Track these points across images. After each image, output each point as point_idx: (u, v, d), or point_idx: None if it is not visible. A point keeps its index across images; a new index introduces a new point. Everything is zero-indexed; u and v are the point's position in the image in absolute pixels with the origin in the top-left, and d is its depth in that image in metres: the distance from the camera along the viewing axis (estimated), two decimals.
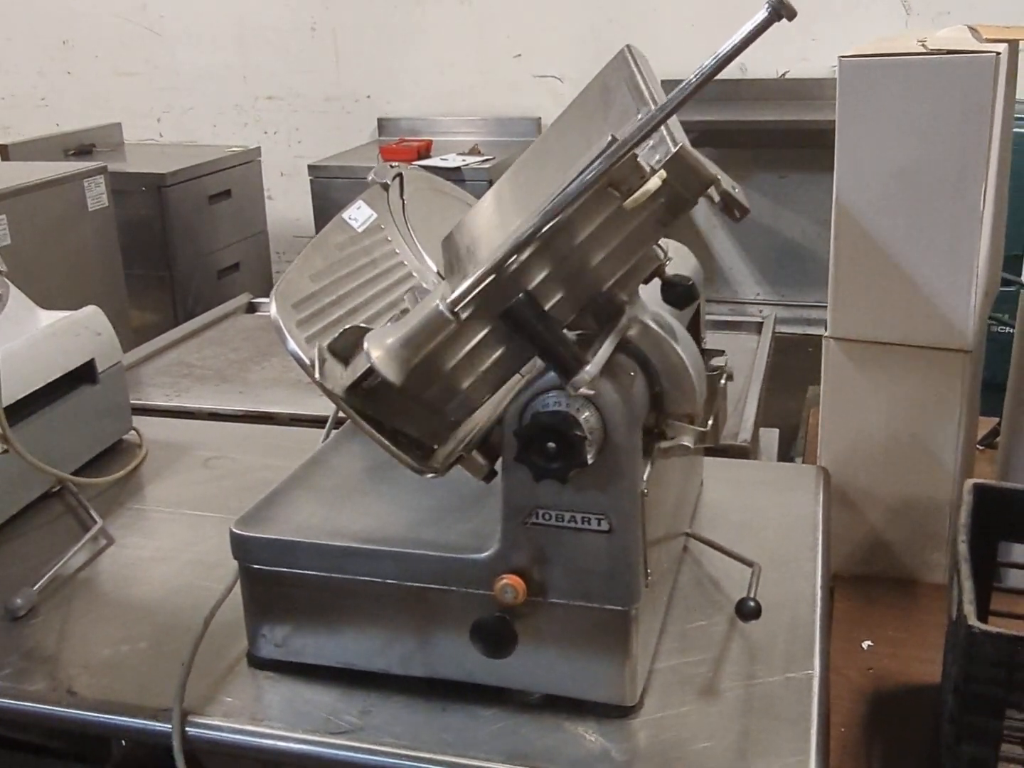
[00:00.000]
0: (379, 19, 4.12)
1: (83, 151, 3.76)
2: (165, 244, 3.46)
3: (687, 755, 0.86)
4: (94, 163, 2.62)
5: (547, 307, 0.79)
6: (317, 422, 1.59)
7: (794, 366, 2.44)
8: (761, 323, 2.00)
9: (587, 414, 0.81)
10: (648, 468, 0.87)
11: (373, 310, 0.92)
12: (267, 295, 2.36)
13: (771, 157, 3.90)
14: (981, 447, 1.66)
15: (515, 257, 0.77)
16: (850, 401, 1.30)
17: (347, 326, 0.84)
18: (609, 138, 0.73)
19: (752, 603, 0.93)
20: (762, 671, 0.96)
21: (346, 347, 0.82)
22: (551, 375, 0.81)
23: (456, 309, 0.78)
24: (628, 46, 0.95)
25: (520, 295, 0.77)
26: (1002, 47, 1.14)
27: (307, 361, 0.81)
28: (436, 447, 0.85)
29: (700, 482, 1.27)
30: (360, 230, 0.98)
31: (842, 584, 1.32)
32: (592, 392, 0.77)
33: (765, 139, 3.89)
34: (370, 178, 1.08)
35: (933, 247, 1.19)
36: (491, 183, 3.39)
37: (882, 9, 3.70)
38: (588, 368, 0.76)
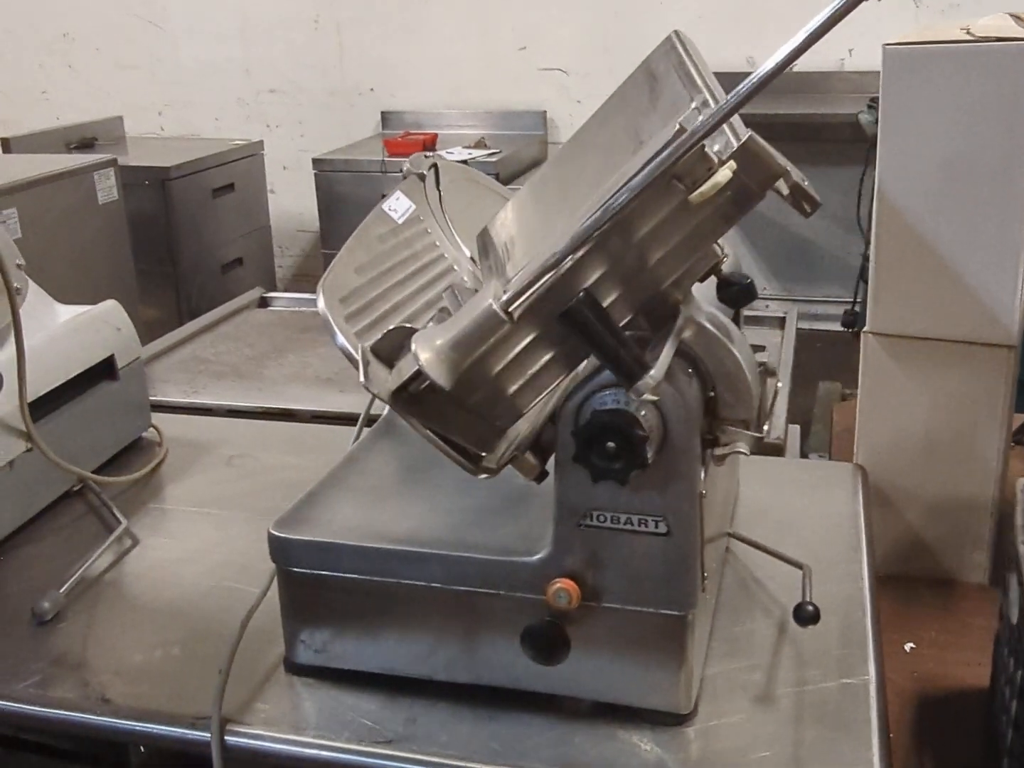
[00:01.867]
0: (383, 12, 4.09)
1: (84, 145, 3.72)
2: (169, 239, 3.43)
3: (745, 764, 0.84)
4: (104, 155, 2.58)
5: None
6: (339, 419, 1.57)
7: (803, 362, 2.42)
8: (783, 318, 1.97)
9: (646, 412, 0.78)
10: (704, 471, 0.84)
11: (417, 304, 0.89)
12: (271, 290, 2.34)
13: (778, 151, 3.87)
14: (1012, 444, 1.64)
15: (574, 254, 0.72)
16: (889, 398, 1.28)
17: (391, 327, 0.80)
18: (676, 127, 0.68)
19: (811, 607, 0.90)
20: (816, 676, 0.93)
21: (391, 348, 0.78)
22: (609, 372, 0.79)
23: (511, 309, 0.74)
24: (676, 31, 0.90)
25: (580, 295, 0.72)
26: None
27: (357, 357, 0.78)
28: (484, 454, 0.81)
29: (737, 480, 1.24)
30: (400, 221, 0.95)
31: (880, 584, 1.29)
32: (656, 398, 0.74)
33: (772, 133, 3.81)
34: (405, 168, 1.05)
35: (978, 239, 1.17)
36: (498, 177, 3.36)
37: (891, 1, 3.68)
38: (652, 373, 0.72)
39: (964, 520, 1.28)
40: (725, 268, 0.80)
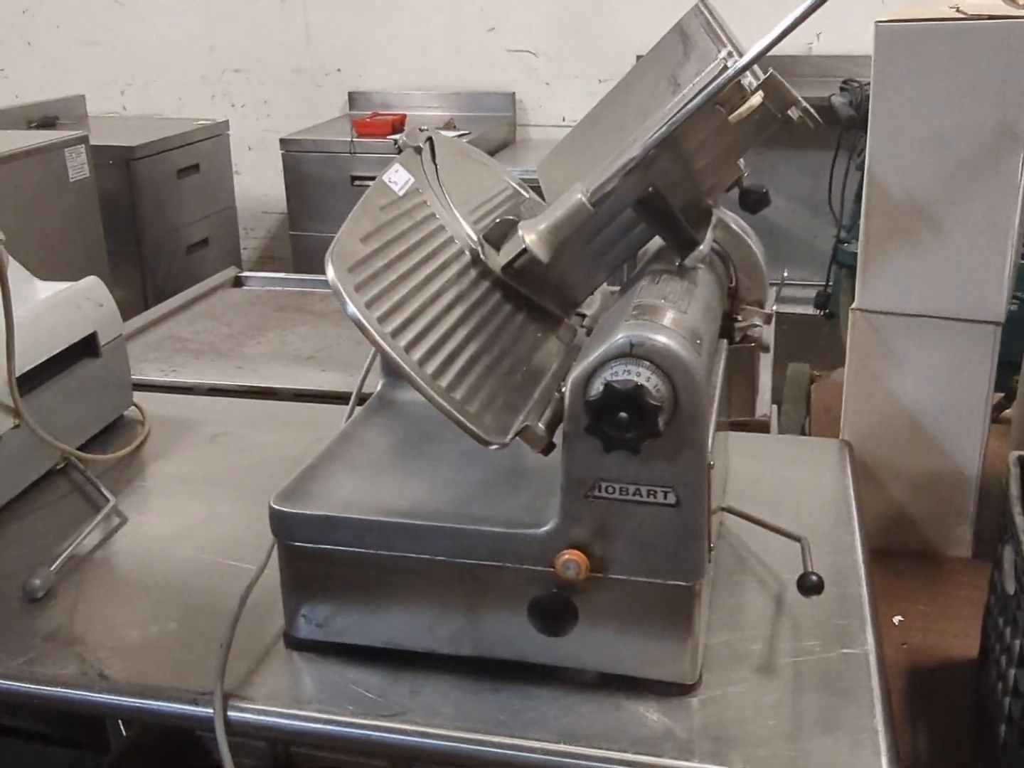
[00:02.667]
0: None
1: (46, 123, 3.65)
2: (134, 219, 3.38)
3: (753, 733, 0.84)
4: (75, 132, 2.53)
5: None
6: (321, 397, 1.56)
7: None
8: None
9: (658, 383, 0.78)
10: (711, 436, 0.85)
11: (421, 276, 0.88)
12: (238, 271, 2.31)
13: (749, 135, 3.89)
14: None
15: (643, 158, 0.88)
16: (876, 374, 1.29)
17: (399, 296, 0.82)
18: (721, 66, 0.85)
19: (815, 577, 0.91)
20: (816, 647, 0.94)
21: (499, 235, 0.95)
22: (619, 343, 0.79)
23: (594, 200, 0.89)
24: (701, 0, 1.03)
25: (649, 189, 0.89)
26: None
27: (368, 325, 0.77)
28: (565, 320, 1.01)
29: (728, 455, 1.25)
30: (401, 193, 0.94)
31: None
32: (703, 266, 0.93)
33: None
34: (402, 141, 1.03)
35: (967, 216, 1.18)
36: None
37: None
38: (701, 247, 0.90)
39: (948, 495, 1.30)
40: (745, 182, 0.96)
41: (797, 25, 0.82)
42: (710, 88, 0.86)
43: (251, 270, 4.18)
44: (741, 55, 0.87)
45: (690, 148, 0.90)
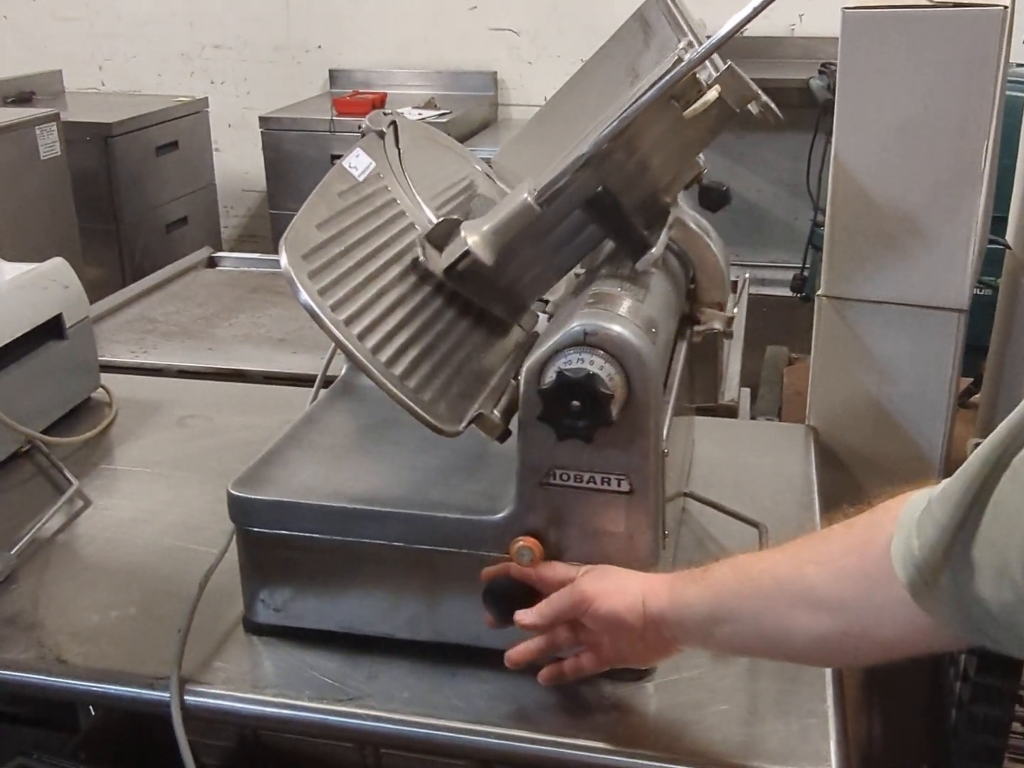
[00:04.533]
0: None
1: (22, 99, 3.60)
2: (112, 197, 3.35)
3: (705, 718, 0.85)
4: (46, 109, 2.50)
5: None
6: (291, 380, 1.56)
7: (751, 326, 2.44)
8: (735, 282, 1.98)
9: (611, 371, 0.78)
10: (667, 424, 0.85)
11: (380, 262, 0.88)
12: (218, 250, 2.30)
13: (729, 115, 3.88)
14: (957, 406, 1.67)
15: (592, 156, 0.84)
16: (842, 360, 1.30)
17: (354, 284, 0.82)
18: (675, 58, 0.81)
19: None
20: None
21: (442, 236, 0.91)
22: (573, 331, 0.79)
23: (541, 200, 0.85)
24: None
25: (599, 188, 0.85)
26: (1007, 1, 1.12)
27: (320, 313, 0.77)
28: (514, 325, 0.97)
29: (692, 441, 1.25)
30: (361, 179, 0.94)
31: None
32: (655, 271, 0.87)
33: None
34: (365, 125, 1.03)
35: (932, 204, 1.18)
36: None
37: None
38: (653, 250, 0.85)
39: (912, 480, 1.30)
40: (704, 178, 0.94)
41: (751, 19, 0.80)
42: (663, 83, 0.82)
43: (231, 249, 4.16)
44: (701, 43, 0.84)
45: (644, 144, 0.87)
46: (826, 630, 0.69)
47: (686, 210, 0.98)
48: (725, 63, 0.85)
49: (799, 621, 0.70)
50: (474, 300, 0.92)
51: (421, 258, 0.90)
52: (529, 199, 0.85)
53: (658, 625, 0.78)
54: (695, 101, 0.84)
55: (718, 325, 1.02)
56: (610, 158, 0.86)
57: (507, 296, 0.94)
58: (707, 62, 0.85)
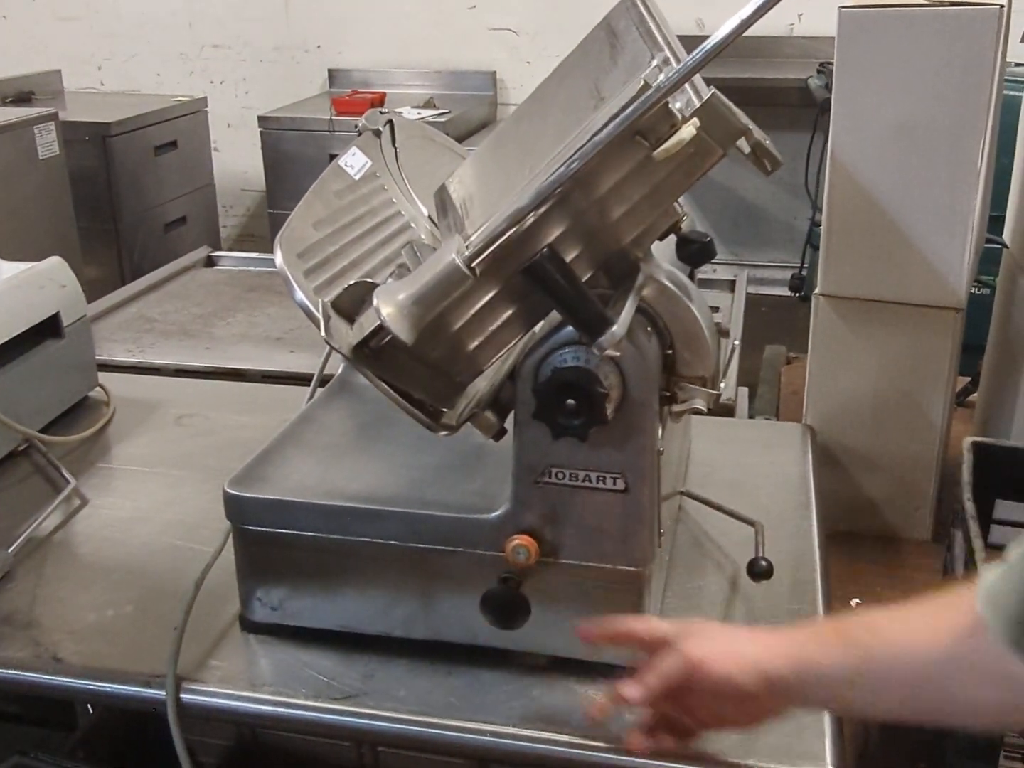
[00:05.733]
0: None
1: (21, 99, 3.61)
2: (110, 196, 3.35)
3: None
4: (45, 109, 2.50)
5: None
6: (289, 378, 1.56)
7: (750, 325, 2.45)
8: (733, 281, 1.98)
9: (606, 370, 0.78)
10: (661, 428, 0.85)
11: (375, 261, 0.88)
12: (216, 249, 2.30)
13: None
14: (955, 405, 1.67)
15: (536, 209, 0.72)
16: (839, 359, 1.30)
17: (351, 282, 0.80)
18: (641, 83, 0.69)
19: (764, 563, 0.92)
20: None
21: (352, 303, 0.78)
22: (568, 330, 0.79)
23: (473, 264, 0.73)
24: None
25: (543, 250, 0.72)
26: (1003, 1, 1.12)
27: (316, 313, 0.77)
28: (444, 410, 0.81)
29: (689, 440, 1.25)
30: (357, 177, 0.94)
31: (828, 541, 1.32)
32: (618, 353, 0.74)
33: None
34: (361, 124, 1.03)
35: (929, 203, 1.18)
36: None
37: None
38: (615, 328, 0.72)
39: (909, 479, 1.31)
40: (684, 227, 0.80)
41: (728, 43, 0.67)
42: (624, 115, 0.68)
43: (230, 248, 4.17)
44: (679, 61, 0.71)
45: (603, 191, 0.72)
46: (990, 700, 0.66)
47: (661, 265, 0.82)
48: (708, 90, 0.71)
49: (965, 692, 0.67)
50: (393, 384, 0.77)
51: (322, 332, 0.75)
52: (458, 261, 0.72)
53: (778, 687, 0.73)
54: (667, 138, 0.69)
55: (700, 404, 0.85)
56: (560, 208, 0.72)
57: (435, 379, 0.78)
58: (687, 87, 0.72)
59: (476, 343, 0.78)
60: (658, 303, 0.83)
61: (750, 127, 0.73)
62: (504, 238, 0.73)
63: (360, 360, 0.76)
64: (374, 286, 0.77)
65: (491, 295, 0.76)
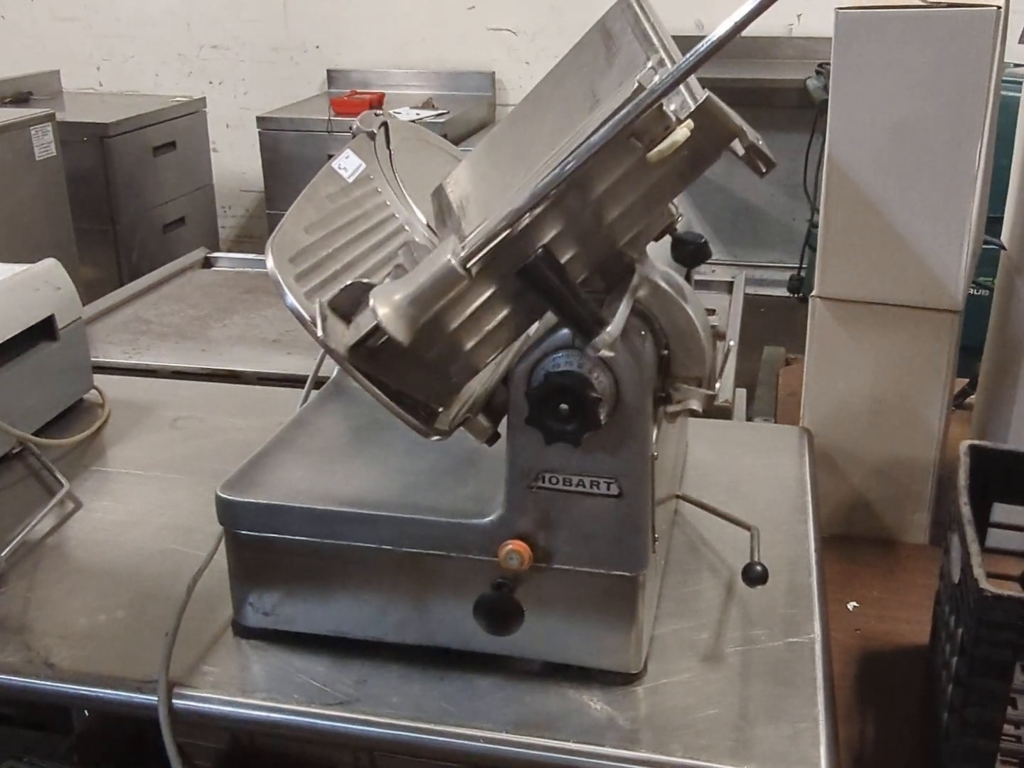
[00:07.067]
0: None
1: (19, 99, 3.61)
2: (109, 197, 3.36)
3: (695, 722, 0.84)
4: (42, 110, 2.50)
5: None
6: (285, 381, 1.55)
7: (748, 327, 2.44)
8: (731, 282, 1.98)
9: (598, 374, 0.78)
10: (656, 432, 0.84)
11: (369, 264, 0.88)
12: (214, 250, 2.30)
13: None
14: (952, 407, 1.67)
15: (532, 211, 0.72)
16: (836, 362, 1.29)
17: (349, 281, 0.80)
18: (636, 85, 0.68)
19: (759, 568, 0.91)
20: (763, 636, 0.94)
21: (349, 304, 0.77)
22: (562, 334, 0.78)
23: (469, 265, 0.73)
24: None
25: (538, 251, 0.72)
26: (1001, 2, 1.11)
27: (307, 317, 0.77)
28: (440, 410, 0.81)
29: (686, 443, 1.25)
30: (350, 180, 0.93)
31: (825, 544, 1.31)
32: (612, 354, 0.74)
33: (720, 97, 3.87)
34: (355, 126, 1.03)
35: (926, 204, 1.18)
36: (446, 138, 3.33)
37: None
38: (609, 329, 0.72)
39: (906, 482, 1.31)
40: (679, 228, 0.81)
41: (723, 45, 0.67)
42: (618, 118, 0.69)
43: (229, 249, 4.16)
44: (675, 63, 0.71)
45: (598, 193, 0.73)
46: None
47: (656, 266, 0.82)
48: (703, 92, 0.71)
49: None
50: (388, 386, 0.77)
51: (318, 332, 0.75)
52: (454, 262, 0.72)
53: None
54: (661, 140, 0.70)
55: (695, 405, 0.85)
56: (555, 210, 0.72)
57: (431, 378, 0.79)
58: (682, 89, 0.72)
59: (472, 343, 0.78)
60: (653, 303, 0.83)
61: (744, 128, 0.73)
62: (499, 239, 0.73)
63: (356, 360, 0.75)
64: (371, 286, 0.77)
65: (487, 295, 0.76)
